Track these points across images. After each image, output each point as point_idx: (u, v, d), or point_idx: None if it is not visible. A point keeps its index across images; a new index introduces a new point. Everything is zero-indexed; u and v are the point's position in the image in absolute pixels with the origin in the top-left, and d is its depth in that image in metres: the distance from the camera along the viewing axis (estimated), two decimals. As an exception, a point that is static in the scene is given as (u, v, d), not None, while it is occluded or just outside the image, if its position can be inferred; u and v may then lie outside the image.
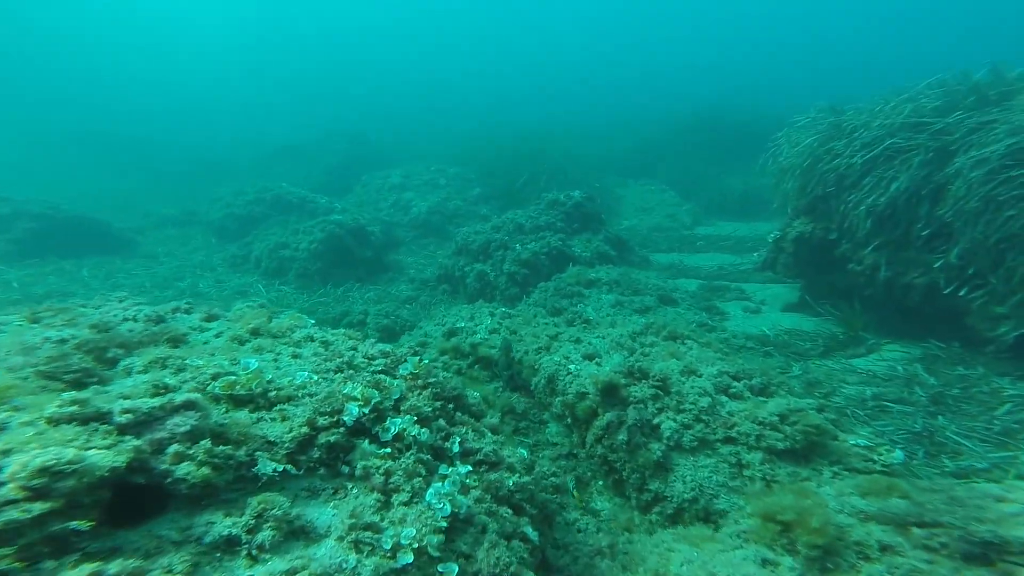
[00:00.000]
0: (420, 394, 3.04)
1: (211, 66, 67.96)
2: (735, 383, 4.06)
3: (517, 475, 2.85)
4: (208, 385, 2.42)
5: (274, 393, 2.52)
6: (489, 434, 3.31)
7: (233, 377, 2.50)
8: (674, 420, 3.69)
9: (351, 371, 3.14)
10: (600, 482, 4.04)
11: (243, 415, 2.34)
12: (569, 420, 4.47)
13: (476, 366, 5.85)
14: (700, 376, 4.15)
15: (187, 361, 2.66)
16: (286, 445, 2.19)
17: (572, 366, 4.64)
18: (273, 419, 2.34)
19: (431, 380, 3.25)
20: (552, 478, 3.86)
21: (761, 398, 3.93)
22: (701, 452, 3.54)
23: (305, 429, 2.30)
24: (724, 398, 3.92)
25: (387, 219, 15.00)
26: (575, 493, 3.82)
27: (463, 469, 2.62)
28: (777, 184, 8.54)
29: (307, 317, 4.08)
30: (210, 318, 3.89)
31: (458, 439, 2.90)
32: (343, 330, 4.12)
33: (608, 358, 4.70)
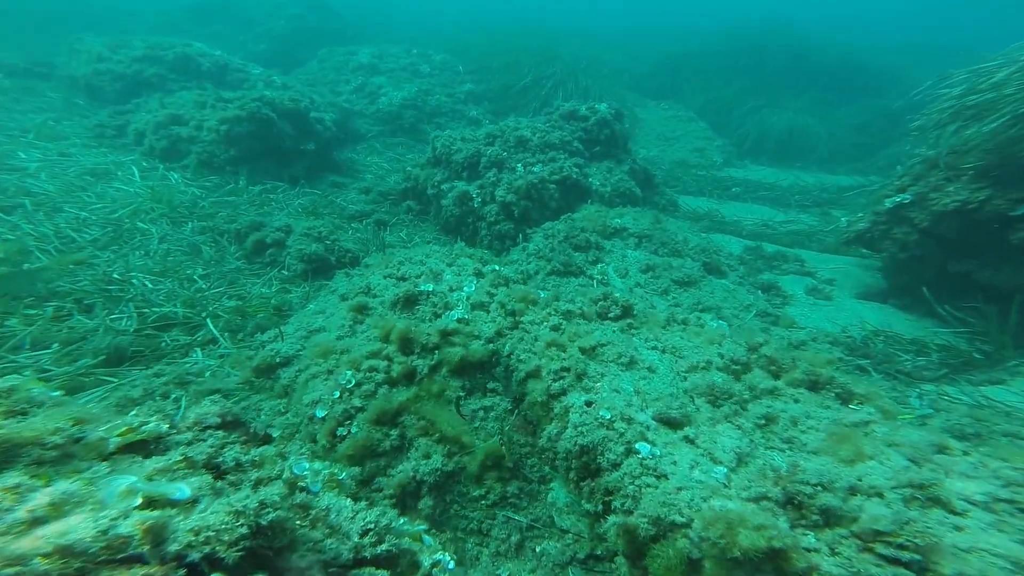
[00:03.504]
0: None
1: None
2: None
3: None
4: None
5: None
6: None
7: None
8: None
9: None
10: None
11: None
12: (621, 547, 2.19)
13: (444, 374, 3.43)
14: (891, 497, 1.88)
15: None
16: None
17: (643, 448, 2.27)
18: None
19: None
20: None
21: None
22: None
23: None
24: None
25: (346, 106, 11.51)
26: None
27: None
28: (922, 135, 5.95)
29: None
30: None
31: None
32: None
33: (708, 432, 2.36)
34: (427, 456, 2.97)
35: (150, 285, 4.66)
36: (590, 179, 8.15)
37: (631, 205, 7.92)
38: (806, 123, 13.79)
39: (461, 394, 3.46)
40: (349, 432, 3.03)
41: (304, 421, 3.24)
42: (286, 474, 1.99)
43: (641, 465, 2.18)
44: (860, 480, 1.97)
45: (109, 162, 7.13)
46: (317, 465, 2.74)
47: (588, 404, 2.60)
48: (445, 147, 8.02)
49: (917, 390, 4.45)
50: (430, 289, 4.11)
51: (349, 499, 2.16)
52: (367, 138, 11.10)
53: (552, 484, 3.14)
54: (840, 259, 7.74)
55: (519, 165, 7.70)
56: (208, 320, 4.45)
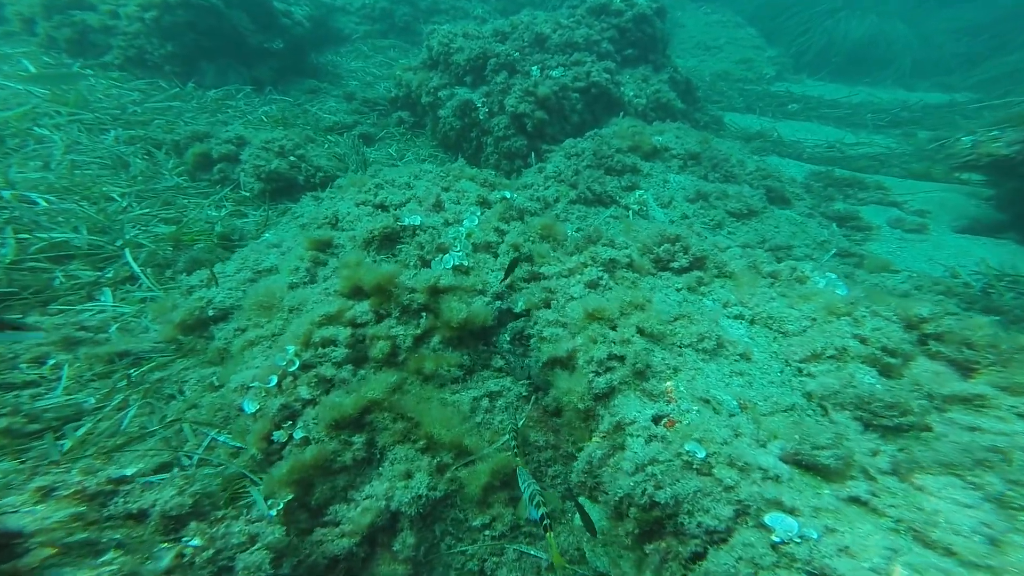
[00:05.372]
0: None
1: None
2: None
3: None
4: None
5: None
6: None
7: None
8: None
9: None
10: None
11: None
12: None
13: (435, 346, 2.41)
14: None
15: None
16: None
17: (782, 523, 1.24)
18: None
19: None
20: None
21: None
22: None
23: None
24: None
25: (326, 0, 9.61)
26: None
27: None
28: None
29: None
30: None
31: None
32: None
33: (901, 492, 1.29)
34: (407, 475, 2.02)
35: (44, 204, 3.56)
36: (622, 88, 6.60)
37: (670, 120, 6.45)
38: (893, 28, 11.42)
39: (458, 374, 2.45)
40: (291, 438, 2.06)
41: (234, 411, 2.29)
42: None
43: (777, 552, 1.18)
44: None
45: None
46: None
47: (656, 420, 1.57)
48: (443, 45, 6.44)
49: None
50: (417, 223, 2.97)
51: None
52: (352, 39, 9.34)
53: (581, 499, 2.22)
54: (933, 185, 6.32)
55: (534, 68, 6.16)
56: (127, 251, 3.39)
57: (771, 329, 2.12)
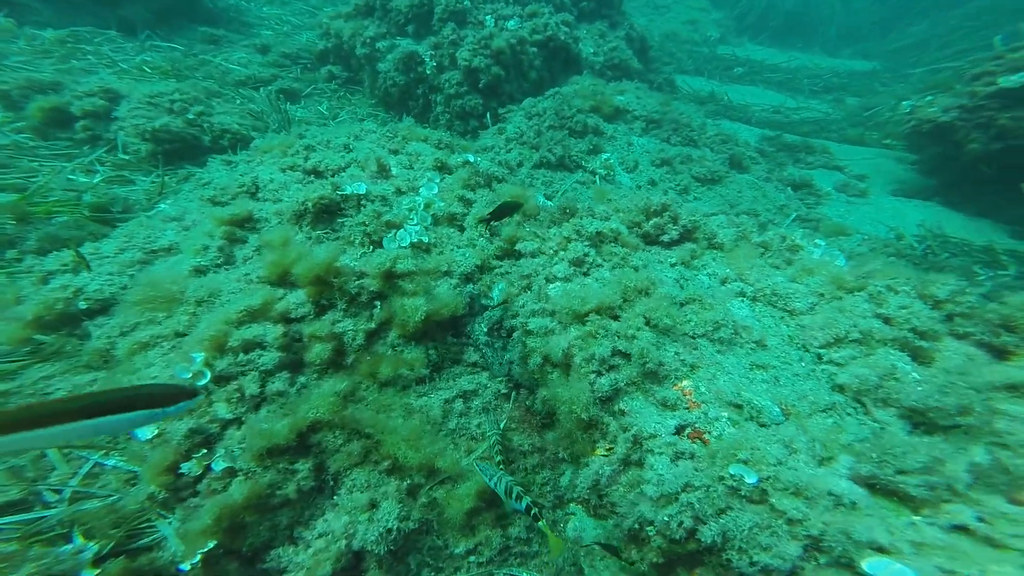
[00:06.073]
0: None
1: None
2: None
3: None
4: None
5: None
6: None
7: None
8: None
9: None
10: None
11: None
12: None
13: (393, 341, 1.99)
14: None
15: None
16: None
17: (878, 569, 0.98)
18: None
19: None
20: None
21: None
22: None
23: None
24: None
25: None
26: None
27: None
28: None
29: None
30: None
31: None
32: None
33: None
34: (371, 505, 1.63)
35: None
36: (580, 44, 6.15)
37: (627, 80, 6.14)
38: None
39: (424, 372, 2.06)
40: (208, 469, 1.60)
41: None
42: None
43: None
44: None
45: None
46: None
47: (680, 430, 1.29)
48: (378, -15, 5.61)
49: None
50: (362, 192, 2.46)
51: None
52: (267, -20, 8.02)
53: (571, 506, 1.96)
54: (867, 151, 6.56)
55: (488, 18, 5.54)
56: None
57: (776, 307, 1.90)
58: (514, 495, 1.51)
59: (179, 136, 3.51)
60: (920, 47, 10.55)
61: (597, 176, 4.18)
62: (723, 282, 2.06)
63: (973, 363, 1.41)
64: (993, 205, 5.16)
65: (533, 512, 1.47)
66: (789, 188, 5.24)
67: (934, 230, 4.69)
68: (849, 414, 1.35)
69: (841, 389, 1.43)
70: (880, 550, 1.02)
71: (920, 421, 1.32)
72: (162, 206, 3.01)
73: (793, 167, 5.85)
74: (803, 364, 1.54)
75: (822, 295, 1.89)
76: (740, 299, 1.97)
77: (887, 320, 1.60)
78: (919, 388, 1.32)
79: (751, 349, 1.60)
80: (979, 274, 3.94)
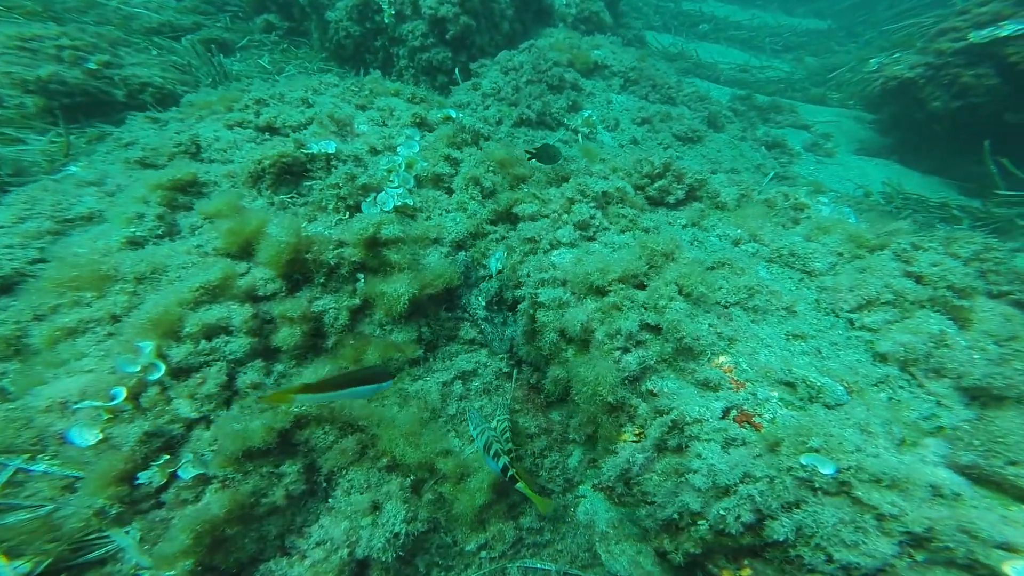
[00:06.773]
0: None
1: None
2: None
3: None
4: None
5: None
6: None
7: None
8: None
9: None
10: None
11: None
12: None
13: (379, 321, 1.74)
14: None
15: None
16: None
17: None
18: None
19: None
20: None
21: None
22: None
23: None
24: None
25: None
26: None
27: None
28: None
29: None
30: None
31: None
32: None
33: None
34: (374, 507, 1.44)
35: None
36: (550, -8, 5.73)
37: (600, 35, 5.82)
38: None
39: (418, 353, 1.84)
40: (174, 477, 1.35)
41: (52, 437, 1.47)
42: None
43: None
44: None
45: None
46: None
47: (725, 413, 1.16)
48: (322, -86, 4.91)
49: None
50: (332, 151, 2.13)
51: None
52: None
53: (581, 488, 1.86)
54: (830, 111, 6.65)
55: (448, -43, 5.00)
56: None
57: (794, 268, 1.80)
58: (491, 452, 1.36)
59: (80, 89, 2.93)
60: (867, 4, 10.80)
61: (580, 135, 3.94)
62: (736, 243, 1.94)
63: (1007, 322, 1.37)
64: (943, 163, 5.36)
65: (510, 474, 1.34)
66: (763, 147, 5.23)
67: (896, 188, 4.84)
68: (902, 387, 1.27)
69: (883, 358, 1.35)
70: (1010, 548, 0.93)
71: (978, 394, 1.26)
72: (73, 168, 2.52)
73: (763, 126, 5.84)
74: (838, 332, 1.44)
75: (840, 254, 1.80)
76: (756, 259, 1.86)
77: (919, 279, 1.53)
78: (975, 357, 1.25)
79: (782, 317, 1.49)
80: (939, 229, 4.11)
